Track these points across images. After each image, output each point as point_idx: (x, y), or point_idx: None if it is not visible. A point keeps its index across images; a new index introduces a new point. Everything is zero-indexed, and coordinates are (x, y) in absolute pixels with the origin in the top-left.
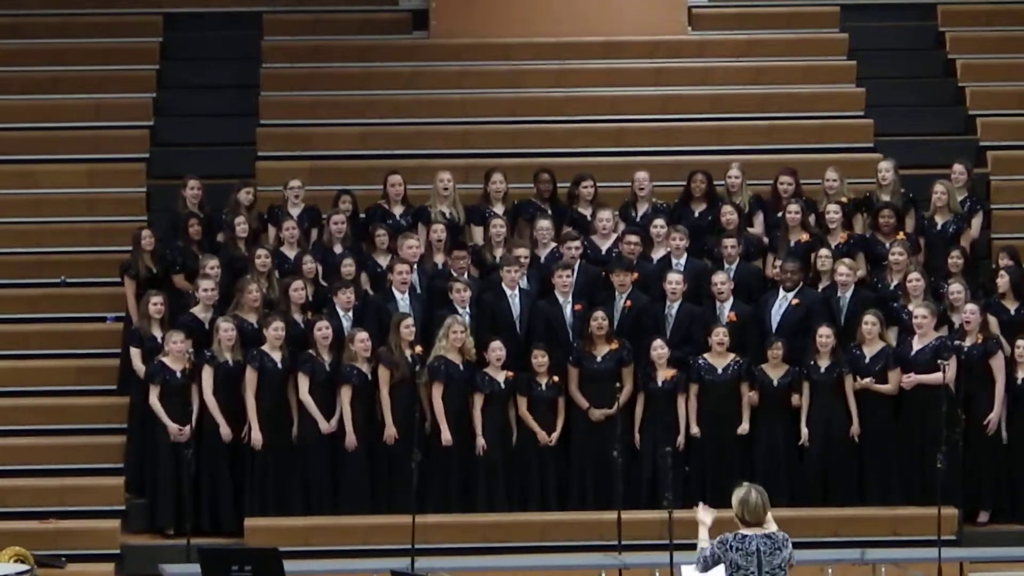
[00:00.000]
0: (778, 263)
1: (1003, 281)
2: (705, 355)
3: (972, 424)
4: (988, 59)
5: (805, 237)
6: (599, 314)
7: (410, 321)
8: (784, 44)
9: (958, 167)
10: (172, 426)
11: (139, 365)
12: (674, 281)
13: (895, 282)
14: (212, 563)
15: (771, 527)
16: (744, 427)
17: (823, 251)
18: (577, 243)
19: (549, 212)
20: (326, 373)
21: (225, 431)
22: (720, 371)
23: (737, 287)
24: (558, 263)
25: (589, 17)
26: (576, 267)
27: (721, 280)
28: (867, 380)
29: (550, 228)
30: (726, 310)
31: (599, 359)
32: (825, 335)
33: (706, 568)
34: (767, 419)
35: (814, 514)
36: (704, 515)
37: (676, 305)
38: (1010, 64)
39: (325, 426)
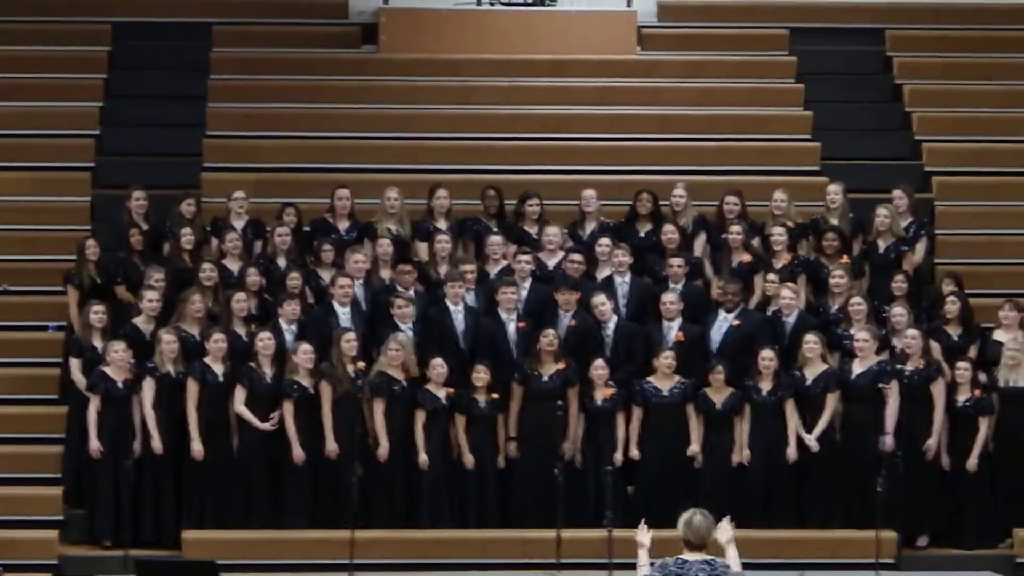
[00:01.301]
0: (720, 284)
1: (953, 308)
2: (650, 377)
3: (913, 448)
4: (935, 85)
5: (747, 258)
6: (550, 332)
7: (351, 336)
8: (733, 66)
9: (897, 192)
10: (93, 444)
11: (78, 376)
12: (599, 303)
13: (836, 306)
14: (149, 575)
15: (731, 561)
16: (694, 448)
17: (771, 276)
18: (528, 258)
19: (495, 229)
20: (265, 386)
21: (157, 444)
22: (666, 393)
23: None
24: (502, 280)
25: (539, 35)
26: (527, 285)
27: (671, 300)
28: (809, 439)
29: (502, 244)
30: (674, 329)
31: (545, 378)
32: (767, 358)
33: None
34: (711, 442)
35: (755, 536)
36: (643, 537)
37: (612, 325)
38: (957, 90)
39: (265, 426)
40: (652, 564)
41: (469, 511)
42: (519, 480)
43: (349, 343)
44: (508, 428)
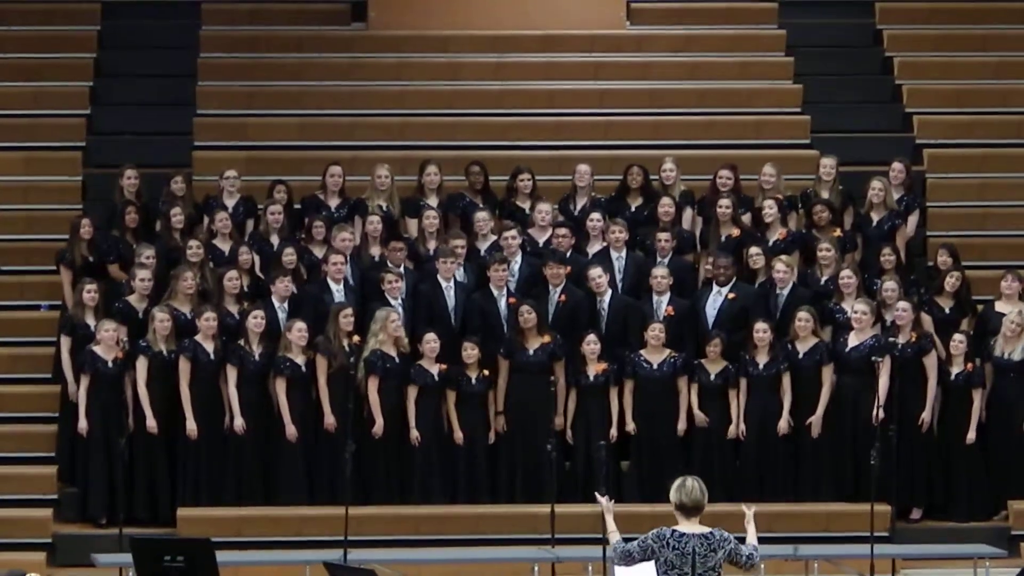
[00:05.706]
0: (710, 258)
1: (951, 281)
2: (642, 350)
3: (905, 421)
4: (925, 57)
5: (736, 232)
6: (524, 308)
7: (349, 311)
8: (722, 40)
9: (897, 165)
10: (82, 422)
11: (66, 356)
12: (595, 276)
13: (824, 278)
14: (144, 553)
15: (751, 538)
16: (682, 426)
17: (753, 249)
18: (515, 232)
19: (481, 204)
20: (255, 364)
21: (151, 423)
22: (656, 367)
23: None
24: (494, 256)
25: (528, 10)
26: (519, 260)
27: (662, 274)
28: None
29: (488, 220)
30: (663, 303)
31: (531, 352)
32: (763, 330)
33: (631, 562)
34: (704, 414)
35: None
36: (607, 502)
37: (607, 298)
38: (947, 62)
39: (239, 422)
40: (646, 535)
41: (459, 486)
42: (508, 455)
43: (347, 318)
44: (496, 402)
